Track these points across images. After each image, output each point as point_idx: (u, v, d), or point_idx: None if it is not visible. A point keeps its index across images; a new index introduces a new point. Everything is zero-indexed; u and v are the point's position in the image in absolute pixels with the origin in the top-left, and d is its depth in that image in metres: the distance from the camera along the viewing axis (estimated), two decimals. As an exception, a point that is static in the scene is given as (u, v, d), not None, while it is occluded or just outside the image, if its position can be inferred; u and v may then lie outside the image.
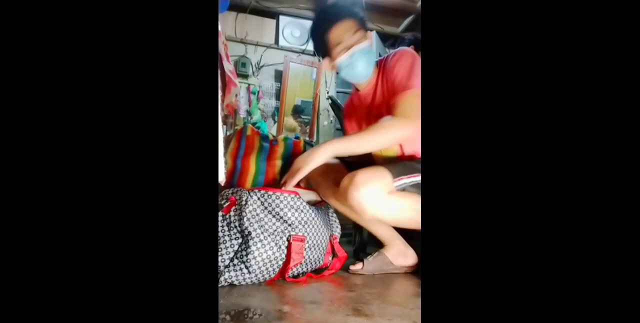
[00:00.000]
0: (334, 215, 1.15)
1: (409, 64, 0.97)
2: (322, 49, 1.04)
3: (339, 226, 1.14)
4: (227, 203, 0.94)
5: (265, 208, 0.92)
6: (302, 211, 0.97)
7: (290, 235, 0.92)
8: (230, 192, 0.97)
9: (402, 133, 0.90)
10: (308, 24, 2.75)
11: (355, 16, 1.00)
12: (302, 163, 0.90)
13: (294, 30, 2.73)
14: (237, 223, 0.89)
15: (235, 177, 1.65)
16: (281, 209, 0.93)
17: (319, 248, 0.99)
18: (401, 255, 1.07)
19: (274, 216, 0.92)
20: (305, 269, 0.96)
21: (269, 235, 0.88)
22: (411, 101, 0.92)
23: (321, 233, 0.99)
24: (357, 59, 1.00)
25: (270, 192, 0.94)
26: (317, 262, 1.00)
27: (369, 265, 1.04)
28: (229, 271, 0.84)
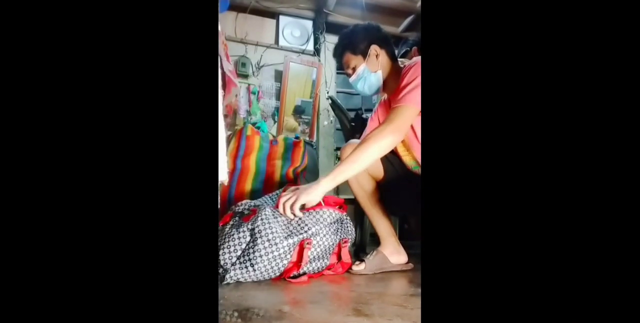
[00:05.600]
0: (349, 222, 1.16)
1: (414, 76, 0.99)
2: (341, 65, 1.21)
3: (353, 231, 1.14)
4: (249, 213, 0.97)
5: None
6: (314, 216, 0.99)
7: (299, 238, 0.93)
8: (253, 204, 1.01)
9: (383, 145, 0.96)
10: (308, 24, 2.76)
11: (360, 42, 1.12)
12: (302, 198, 0.95)
13: (294, 30, 2.73)
14: (249, 222, 0.91)
15: (235, 177, 1.65)
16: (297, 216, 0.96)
17: (325, 253, 1.00)
18: (395, 252, 1.14)
19: (286, 219, 0.94)
20: (309, 269, 0.97)
21: (277, 236, 0.89)
22: (400, 114, 0.98)
23: (329, 238, 1.00)
24: (359, 79, 1.14)
25: None
26: (322, 266, 1.00)
27: (370, 264, 1.06)
28: (234, 269, 0.86)
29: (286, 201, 0.94)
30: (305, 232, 0.94)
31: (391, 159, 1.18)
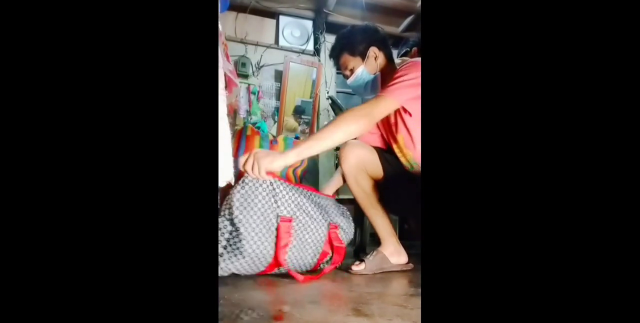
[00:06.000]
0: (341, 206, 1.16)
1: (407, 72, 1.00)
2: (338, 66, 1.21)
3: (349, 217, 1.14)
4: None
5: (253, 192, 0.92)
6: (288, 191, 0.98)
7: (278, 216, 0.92)
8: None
9: (351, 129, 0.96)
10: (308, 24, 2.76)
11: (359, 44, 1.13)
12: (263, 165, 0.91)
13: (294, 30, 2.73)
14: (226, 212, 0.90)
15: (235, 177, 1.65)
16: (272, 190, 0.94)
17: (313, 232, 0.98)
18: (396, 253, 1.13)
19: (261, 199, 0.92)
20: (302, 255, 0.96)
21: (257, 218, 0.89)
22: (378, 103, 0.99)
23: (314, 217, 0.99)
24: (357, 80, 1.15)
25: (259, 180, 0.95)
26: (312, 249, 0.99)
27: (370, 264, 1.05)
28: (224, 260, 0.86)
29: (249, 166, 0.91)
30: (282, 205, 0.93)
31: (389, 159, 1.17)
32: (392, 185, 1.16)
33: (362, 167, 1.14)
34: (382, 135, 1.24)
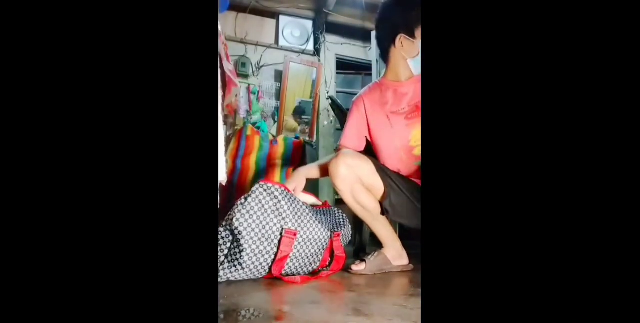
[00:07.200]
0: (342, 214, 1.16)
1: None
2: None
3: (348, 225, 1.14)
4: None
5: (257, 204, 0.93)
6: (294, 201, 0.99)
7: (282, 229, 0.93)
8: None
9: None
10: (308, 24, 2.76)
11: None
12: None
13: (294, 30, 2.73)
14: (228, 222, 0.91)
15: (235, 177, 1.65)
16: (275, 196, 0.95)
17: (314, 244, 0.99)
18: (398, 256, 1.11)
19: (263, 213, 0.93)
20: (301, 264, 0.97)
21: (259, 231, 0.90)
22: None
23: (316, 229, 1.00)
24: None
25: (269, 184, 0.96)
26: (313, 257, 1.00)
27: (370, 265, 1.05)
28: (223, 269, 0.87)
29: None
30: (283, 219, 0.94)
31: (384, 168, 1.11)
32: (394, 196, 1.06)
33: (357, 180, 1.03)
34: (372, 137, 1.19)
